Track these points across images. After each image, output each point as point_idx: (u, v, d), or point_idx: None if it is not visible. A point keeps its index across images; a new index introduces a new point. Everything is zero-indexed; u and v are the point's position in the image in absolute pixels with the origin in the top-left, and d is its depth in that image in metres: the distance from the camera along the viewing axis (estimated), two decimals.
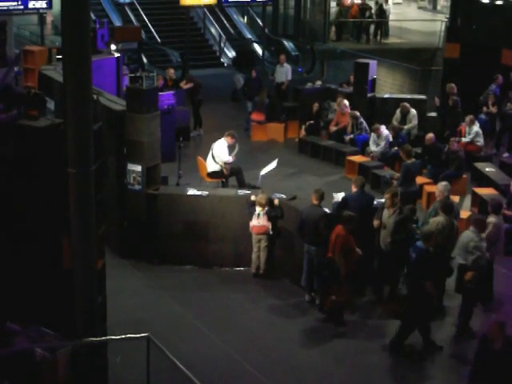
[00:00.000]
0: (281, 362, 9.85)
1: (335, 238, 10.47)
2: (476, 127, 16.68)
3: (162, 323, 10.52)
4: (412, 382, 9.70)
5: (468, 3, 21.59)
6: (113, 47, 18.12)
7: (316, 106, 18.25)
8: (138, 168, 12.00)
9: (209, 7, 25.40)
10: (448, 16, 24.02)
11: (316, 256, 10.85)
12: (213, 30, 28.46)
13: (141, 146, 11.97)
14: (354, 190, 11.53)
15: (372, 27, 28.93)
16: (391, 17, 30.01)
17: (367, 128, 17.19)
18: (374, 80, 18.29)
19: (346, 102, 17.69)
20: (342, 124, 17.65)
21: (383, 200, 12.04)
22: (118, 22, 26.50)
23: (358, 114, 17.36)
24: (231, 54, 27.88)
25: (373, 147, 16.50)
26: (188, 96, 18.81)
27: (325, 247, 10.64)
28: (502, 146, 17.96)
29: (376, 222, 11.18)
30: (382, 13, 29.17)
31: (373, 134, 16.60)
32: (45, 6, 18.90)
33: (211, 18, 28.49)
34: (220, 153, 14.13)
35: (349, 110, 17.62)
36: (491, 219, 11.27)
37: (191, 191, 12.31)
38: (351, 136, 17.33)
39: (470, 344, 9.90)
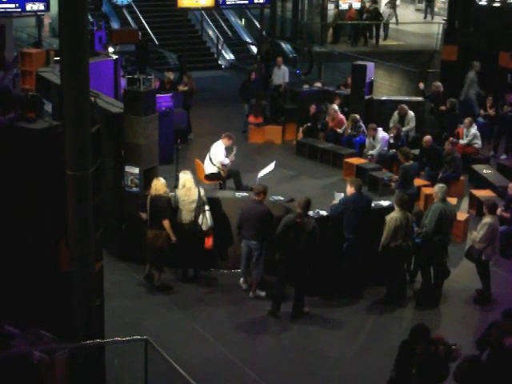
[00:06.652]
0: (280, 366, 9.83)
1: None
2: (474, 129, 16.71)
3: (160, 326, 10.50)
4: None
5: (466, 6, 21.63)
6: (110, 49, 18.11)
7: (313, 107, 18.22)
8: (136, 170, 11.99)
9: (206, 10, 25.40)
10: (445, 18, 24.08)
11: (255, 250, 11.16)
12: (210, 33, 28.49)
13: (138, 149, 11.95)
14: (351, 191, 11.44)
15: (374, 29, 28.92)
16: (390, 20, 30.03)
17: (365, 130, 17.19)
18: (371, 82, 18.30)
19: (336, 108, 17.75)
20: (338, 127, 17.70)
21: (381, 202, 12.07)
22: (115, 25, 26.55)
23: (357, 117, 17.36)
24: (229, 56, 27.91)
25: (369, 149, 16.50)
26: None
27: (264, 242, 11.08)
28: (500, 148, 17.99)
29: None
30: (378, 15, 29.14)
31: (369, 137, 16.61)
32: (42, 8, 18.84)
33: (209, 21, 28.53)
34: (217, 154, 14.15)
35: (339, 115, 17.65)
36: (487, 220, 11.29)
37: None
38: (349, 131, 17.32)
39: None
